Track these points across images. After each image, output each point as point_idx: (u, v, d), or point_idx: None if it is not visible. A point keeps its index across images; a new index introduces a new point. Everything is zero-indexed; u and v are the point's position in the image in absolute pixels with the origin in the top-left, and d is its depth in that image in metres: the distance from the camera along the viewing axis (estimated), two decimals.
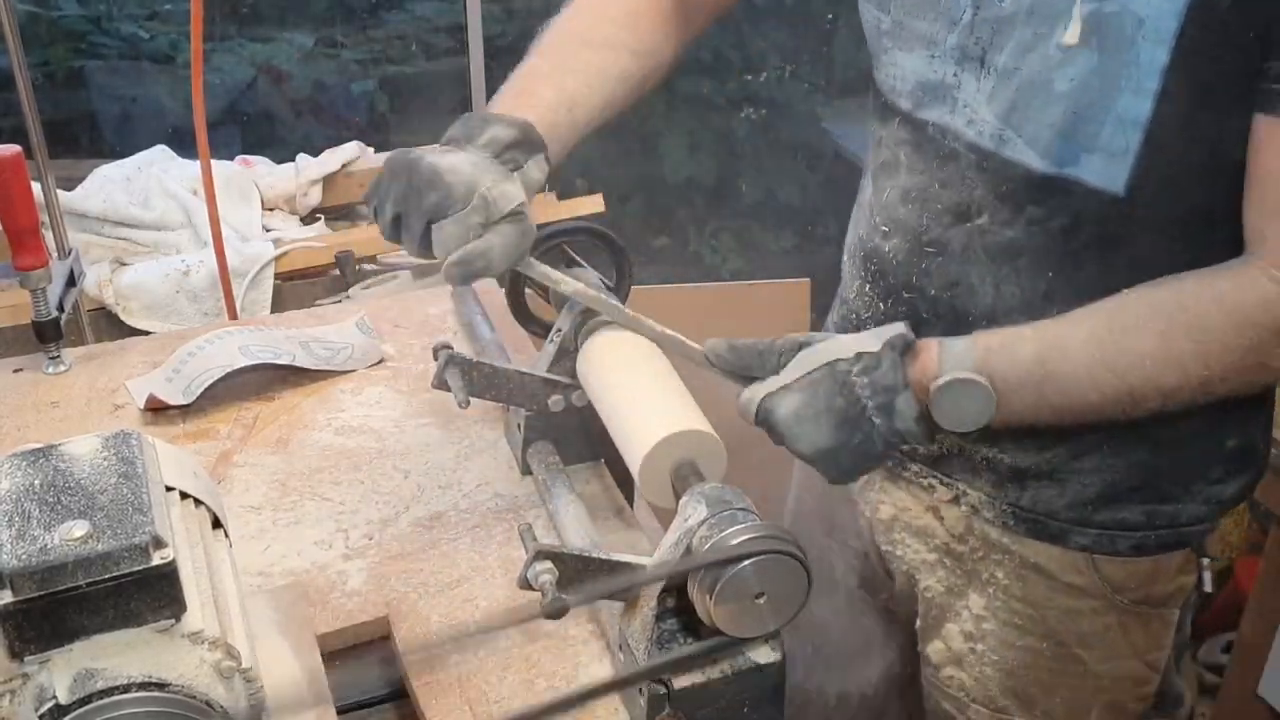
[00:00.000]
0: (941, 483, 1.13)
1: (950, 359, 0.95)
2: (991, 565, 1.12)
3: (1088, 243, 0.96)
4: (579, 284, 1.02)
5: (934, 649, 1.20)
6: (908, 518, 1.18)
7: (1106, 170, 0.91)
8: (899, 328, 0.97)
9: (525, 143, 0.98)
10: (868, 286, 1.12)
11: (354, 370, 1.36)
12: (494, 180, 0.94)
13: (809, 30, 3.44)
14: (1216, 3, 0.83)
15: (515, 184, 0.96)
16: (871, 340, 0.96)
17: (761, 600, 0.81)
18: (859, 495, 1.24)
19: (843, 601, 1.33)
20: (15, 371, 1.35)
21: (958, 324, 1.03)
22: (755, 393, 0.97)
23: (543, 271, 1.01)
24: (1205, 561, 1.10)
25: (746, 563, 0.79)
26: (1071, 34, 0.88)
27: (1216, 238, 0.94)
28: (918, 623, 1.21)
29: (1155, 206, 0.93)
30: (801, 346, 0.97)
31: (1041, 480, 1.07)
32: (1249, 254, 0.91)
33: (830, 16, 3.43)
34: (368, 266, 1.99)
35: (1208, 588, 1.11)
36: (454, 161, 0.94)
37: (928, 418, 0.95)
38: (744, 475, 0.96)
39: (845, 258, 1.19)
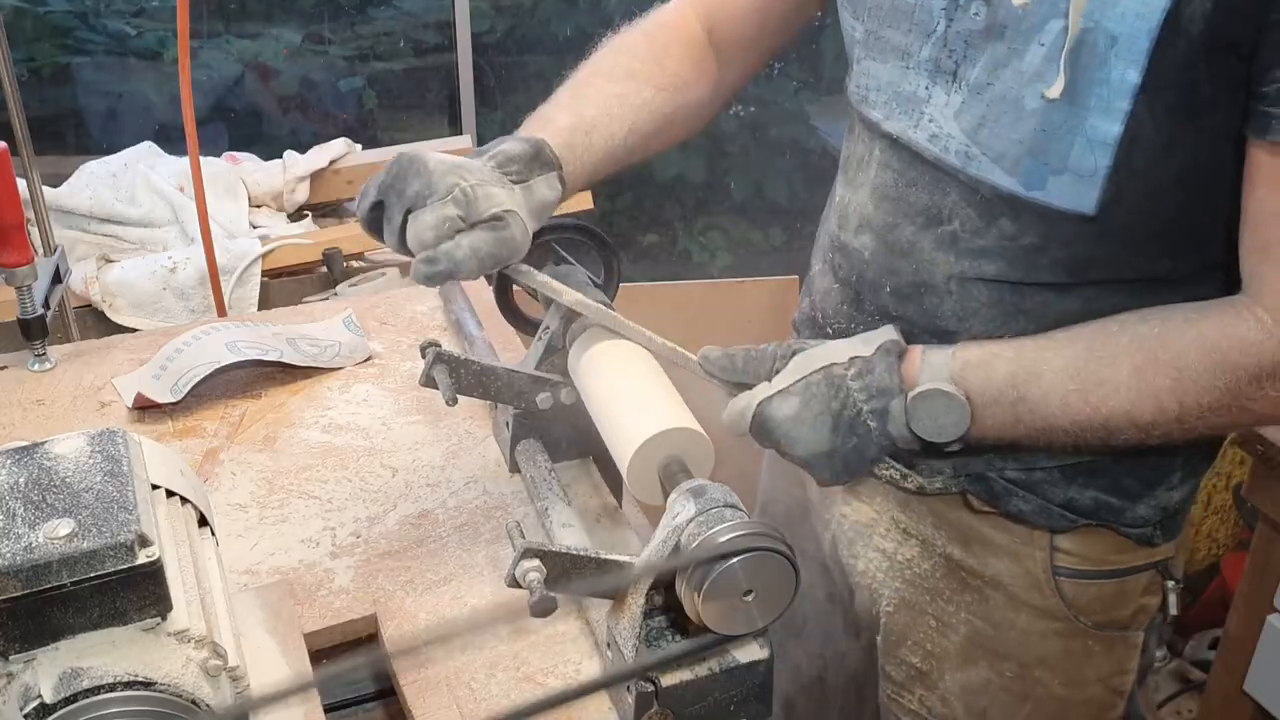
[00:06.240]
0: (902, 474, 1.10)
1: (928, 370, 0.95)
2: (954, 584, 1.11)
3: (1058, 259, 0.95)
4: (578, 295, 1.01)
5: (894, 666, 1.18)
6: (870, 532, 1.15)
7: (1075, 191, 0.89)
8: (890, 332, 0.98)
9: (534, 159, 0.98)
10: (835, 283, 1.11)
11: (341, 368, 1.35)
12: (480, 180, 0.93)
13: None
14: (1190, 23, 0.81)
15: (508, 192, 0.95)
16: (863, 345, 0.96)
17: (749, 598, 0.81)
18: (822, 507, 1.23)
19: (810, 611, 1.32)
20: (0, 369, 1.35)
21: (926, 328, 1.02)
22: (751, 398, 0.97)
23: (542, 281, 1.00)
24: (1170, 584, 1.08)
25: (735, 560, 0.79)
26: (1055, 89, 0.86)
27: (1189, 257, 0.93)
28: (879, 639, 1.19)
29: (1127, 226, 0.91)
30: (795, 353, 0.97)
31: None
32: (1241, 292, 0.90)
33: (818, 14, 3.43)
34: (355, 264, 1.98)
35: (1174, 610, 1.09)
36: (447, 159, 0.94)
37: None
38: (732, 473, 0.96)
39: (815, 252, 1.18)
